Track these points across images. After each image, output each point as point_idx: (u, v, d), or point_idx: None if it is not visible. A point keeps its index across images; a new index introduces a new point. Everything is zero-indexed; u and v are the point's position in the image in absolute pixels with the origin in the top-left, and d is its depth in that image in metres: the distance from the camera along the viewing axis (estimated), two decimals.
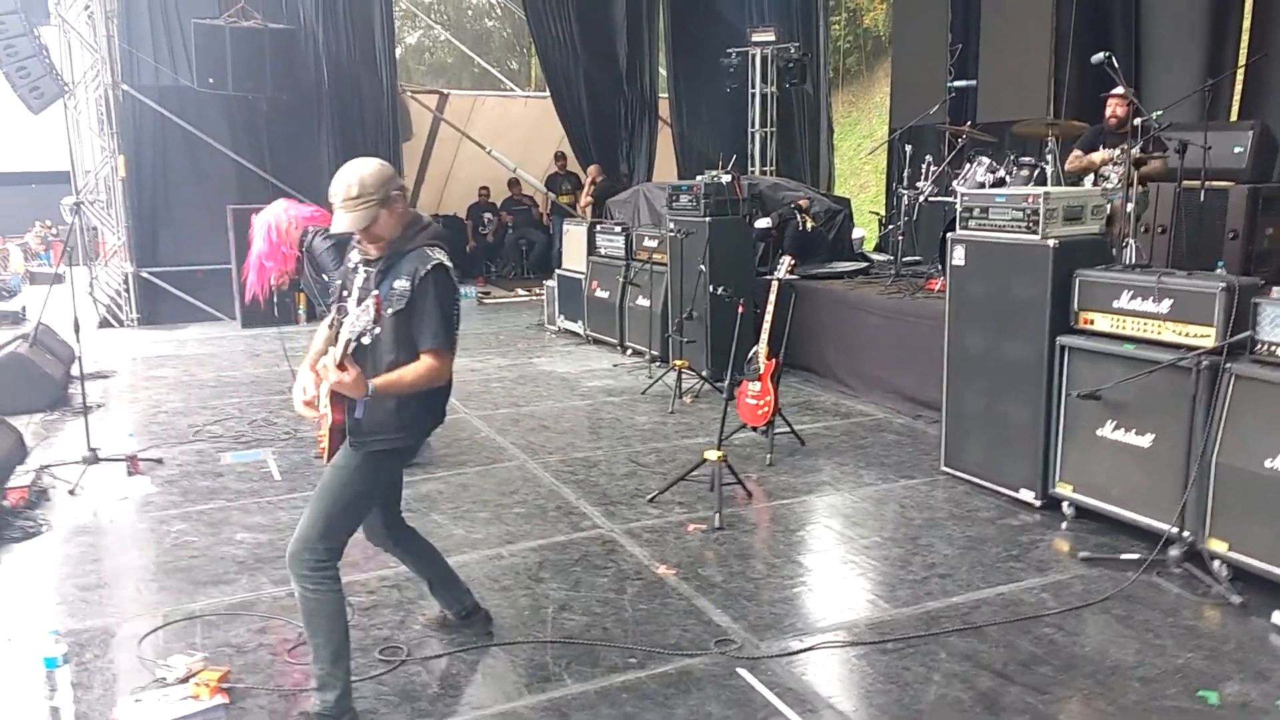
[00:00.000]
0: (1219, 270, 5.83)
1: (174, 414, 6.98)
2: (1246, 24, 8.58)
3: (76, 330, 5.79)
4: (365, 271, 3.04)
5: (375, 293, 2.89)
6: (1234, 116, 8.36)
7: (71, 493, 5.23)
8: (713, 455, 4.88)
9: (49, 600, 3.96)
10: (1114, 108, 6.42)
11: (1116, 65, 5.53)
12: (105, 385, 7.98)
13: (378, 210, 2.91)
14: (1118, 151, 6.24)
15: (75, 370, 6.78)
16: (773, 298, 5.89)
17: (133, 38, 10.74)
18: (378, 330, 2.90)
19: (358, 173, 2.92)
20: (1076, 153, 6.73)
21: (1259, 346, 3.79)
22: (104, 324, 11.04)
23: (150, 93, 10.74)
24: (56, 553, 4.48)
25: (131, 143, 10.76)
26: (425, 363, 2.94)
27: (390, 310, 2.92)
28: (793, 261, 6.00)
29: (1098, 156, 6.35)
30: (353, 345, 2.85)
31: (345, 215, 2.91)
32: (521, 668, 3.37)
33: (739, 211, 7.69)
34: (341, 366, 2.80)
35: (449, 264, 3.01)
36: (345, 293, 3.10)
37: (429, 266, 2.94)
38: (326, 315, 3.21)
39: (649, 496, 5.02)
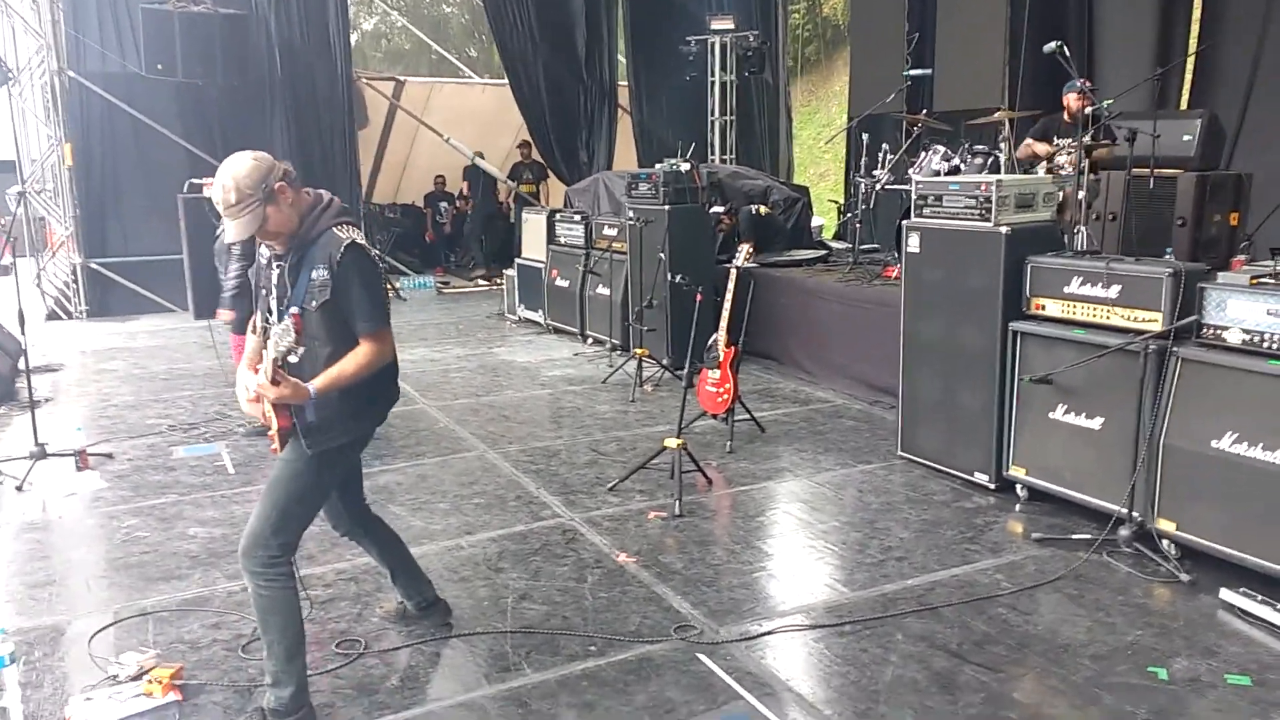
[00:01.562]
0: (1167, 256, 5.95)
1: (124, 407, 6.85)
2: (1196, 14, 8.74)
3: (22, 323, 5.65)
4: (278, 266, 2.91)
5: (294, 311, 2.75)
6: (1184, 105, 8.52)
7: (19, 488, 5.11)
8: (673, 443, 4.89)
9: None
10: (1076, 102, 6.52)
11: (1069, 54, 5.60)
12: (54, 379, 7.80)
13: (263, 209, 2.77)
14: (1068, 141, 6.36)
15: (22, 364, 6.62)
16: (732, 285, 5.91)
17: (79, 23, 10.48)
18: (302, 350, 2.82)
19: (231, 176, 2.75)
20: (1028, 141, 6.83)
21: (1204, 330, 3.87)
22: (52, 316, 10.80)
23: (97, 79, 10.50)
24: (4, 550, 4.37)
25: (79, 130, 10.51)
26: (365, 349, 2.86)
27: (315, 304, 2.81)
28: (751, 249, 6.02)
29: (1043, 149, 6.46)
30: (281, 363, 2.75)
31: (232, 224, 2.78)
32: (481, 658, 3.35)
33: (698, 200, 7.69)
34: (275, 382, 2.74)
35: (361, 240, 2.88)
36: (264, 290, 2.98)
37: (342, 249, 2.81)
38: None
39: (609, 485, 5.02)
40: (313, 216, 2.89)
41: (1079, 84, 6.28)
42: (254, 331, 3.06)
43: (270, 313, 2.94)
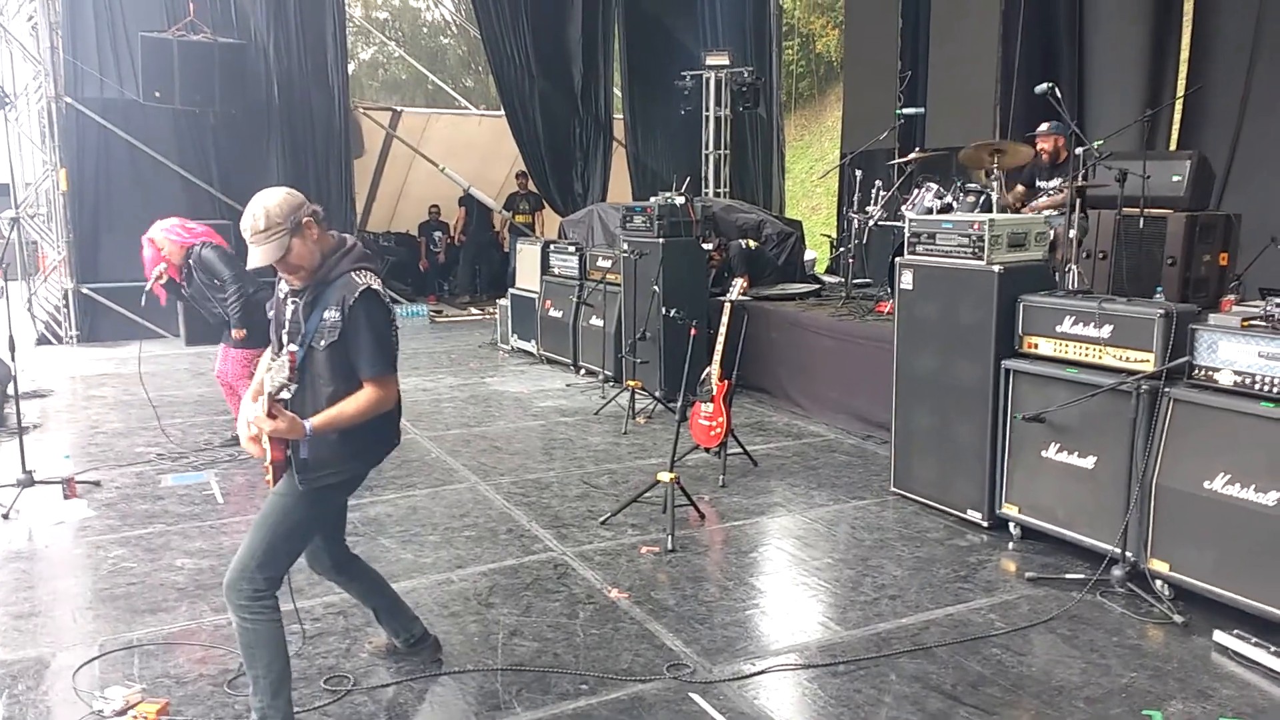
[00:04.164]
0: (1158, 296, 5.99)
1: (113, 435, 6.81)
2: (1184, 56, 8.87)
3: (12, 347, 5.62)
4: (293, 303, 2.96)
5: (291, 349, 2.84)
6: (1173, 146, 8.63)
7: (5, 516, 5.06)
8: (665, 477, 4.87)
9: None
10: (1041, 145, 6.74)
11: (1060, 95, 5.69)
12: (42, 405, 7.75)
13: (289, 240, 2.82)
14: (1055, 183, 6.51)
15: (11, 389, 6.57)
16: (725, 319, 5.93)
17: (78, 50, 10.53)
18: (295, 387, 2.85)
19: (262, 205, 2.82)
20: (1019, 189, 6.97)
21: (1196, 371, 3.89)
22: (42, 341, 10.75)
23: (94, 105, 10.53)
24: None
25: (74, 156, 10.52)
26: (367, 393, 2.88)
27: (323, 343, 2.86)
28: (745, 283, 6.04)
29: (1041, 202, 6.64)
30: (276, 398, 2.78)
31: (257, 250, 2.82)
32: (471, 696, 3.32)
33: (692, 233, 7.73)
34: (271, 415, 2.75)
35: (377, 287, 2.93)
36: (278, 325, 3.03)
37: (357, 293, 2.86)
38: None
39: (601, 519, 5.00)
40: (335, 258, 2.94)
41: (1043, 127, 6.61)
42: (272, 358, 3.06)
43: (283, 347, 2.96)
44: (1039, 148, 6.80)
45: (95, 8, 10.54)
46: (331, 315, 2.85)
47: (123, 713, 3.12)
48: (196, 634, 3.75)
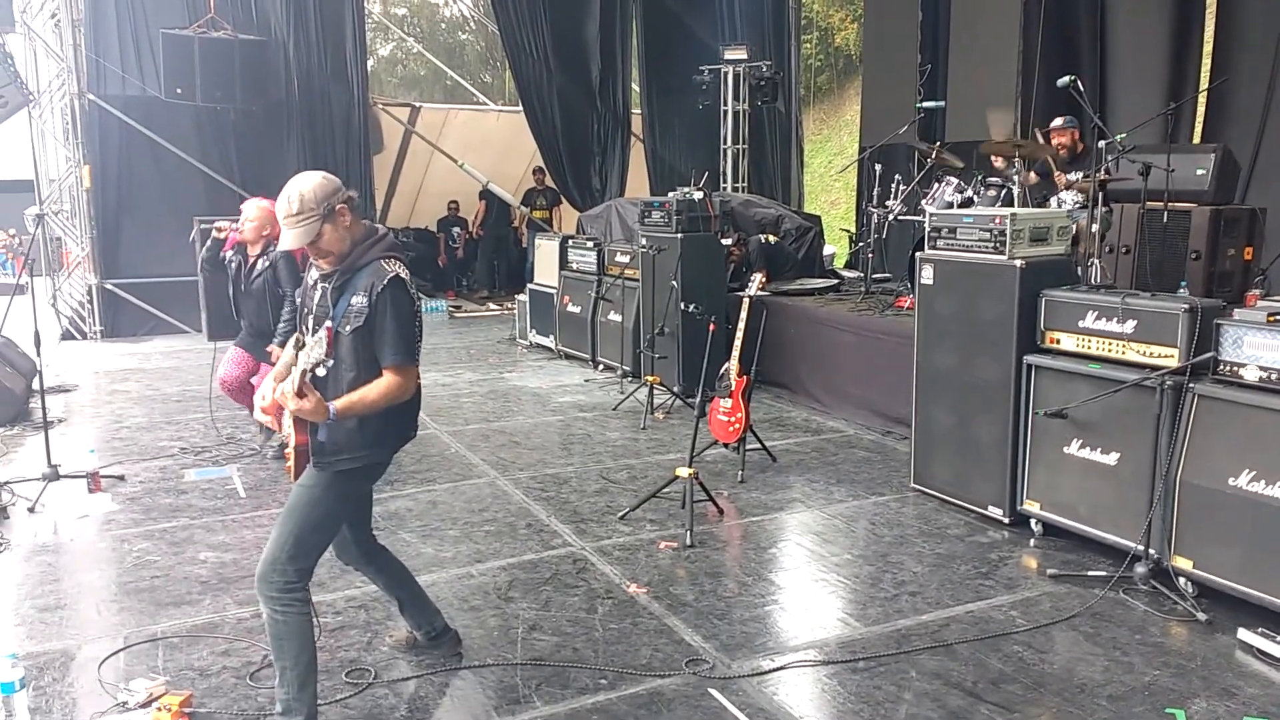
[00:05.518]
0: (1182, 291, 5.93)
1: (137, 429, 6.87)
2: (1208, 49, 8.78)
3: (37, 343, 5.68)
4: (322, 288, 3.00)
5: (328, 324, 2.87)
6: (1196, 139, 8.53)
7: (31, 510, 5.12)
8: (684, 472, 4.87)
9: (7, 622, 3.86)
10: (1057, 140, 6.70)
11: (1082, 88, 5.63)
12: (67, 399, 7.84)
13: (320, 224, 2.87)
14: (1075, 176, 6.45)
15: (36, 384, 6.64)
16: (744, 314, 5.91)
17: (100, 47, 10.62)
18: (331, 363, 2.87)
19: (298, 188, 2.88)
20: (1032, 176, 6.93)
21: (1221, 367, 3.85)
22: (66, 336, 10.86)
23: (117, 102, 10.62)
24: (15, 572, 4.38)
25: (97, 152, 10.62)
26: (388, 379, 2.90)
27: (349, 328, 2.89)
28: (764, 278, 6.02)
29: (1070, 178, 6.59)
30: (309, 375, 2.81)
31: (289, 232, 2.88)
32: (491, 689, 3.33)
33: (711, 228, 7.72)
34: (300, 394, 2.77)
35: (405, 276, 2.96)
36: (305, 310, 3.07)
37: (385, 281, 2.90)
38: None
39: (620, 514, 5.00)
40: (364, 245, 2.98)
41: (1057, 122, 6.57)
42: (294, 347, 3.09)
43: (309, 331, 2.99)
44: (1055, 142, 6.75)
45: (117, 5, 10.63)
46: (359, 301, 2.89)
47: (147, 705, 3.15)
48: (220, 627, 3.78)
